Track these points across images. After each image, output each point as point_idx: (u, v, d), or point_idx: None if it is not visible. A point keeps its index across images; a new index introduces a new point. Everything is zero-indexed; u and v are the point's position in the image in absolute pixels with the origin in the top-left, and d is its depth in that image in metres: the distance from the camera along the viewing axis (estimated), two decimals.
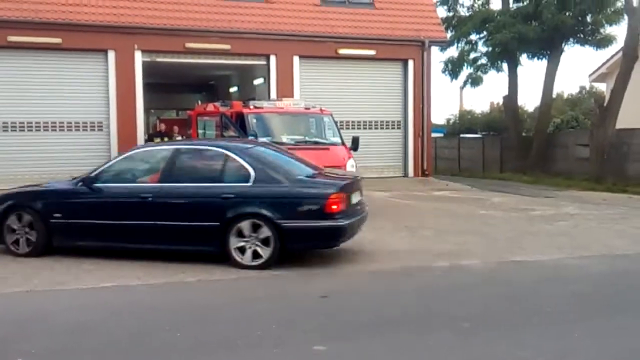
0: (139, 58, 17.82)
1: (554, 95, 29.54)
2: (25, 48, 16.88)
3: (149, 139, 18.19)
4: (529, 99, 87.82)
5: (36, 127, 17.12)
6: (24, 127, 17.01)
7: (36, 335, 5.45)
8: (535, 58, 26.69)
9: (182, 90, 27.40)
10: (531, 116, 34.38)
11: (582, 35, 25.42)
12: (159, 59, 18.39)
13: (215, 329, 5.65)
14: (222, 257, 7.96)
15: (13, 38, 16.54)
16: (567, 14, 23.98)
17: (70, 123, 17.41)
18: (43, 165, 17.01)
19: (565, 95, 43.75)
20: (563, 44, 25.64)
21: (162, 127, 19.30)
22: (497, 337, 5.48)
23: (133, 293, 6.94)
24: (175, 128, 19.10)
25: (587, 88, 43.32)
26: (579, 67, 63.90)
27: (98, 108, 17.67)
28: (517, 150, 26.66)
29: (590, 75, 28.28)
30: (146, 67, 18.08)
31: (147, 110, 23.95)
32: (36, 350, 5.03)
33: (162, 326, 5.66)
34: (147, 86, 18.56)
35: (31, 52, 17.03)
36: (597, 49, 25.50)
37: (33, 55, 17.08)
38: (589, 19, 24.98)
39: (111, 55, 17.56)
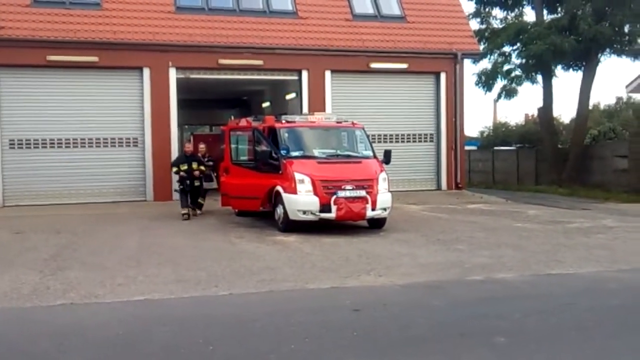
0: (173, 75, 18.11)
1: (590, 107, 29.08)
2: (63, 67, 17.33)
3: (175, 164, 15.12)
4: (565, 111, 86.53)
5: (73, 143, 17.49)
6: (61, 143, 17.40)
7: (75, 349, 5.51)
8: (571, 69, 26.36)
9: (216, 106, 27.71)
10: (567, 128, 33.90)
11: (619, 46, 25.03)
12: (192, 76, 18.66)
13: (247, 342, 5.65)
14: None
15: (52, 57, 16.98)
16: (604, 24, 23.61)
17: (107, 139, 17.76)
18: (80, 181, 17.45)
19: (602, 107, 43.05)
20: (599, 55, 25.27)
21: (190, 147, 15.82)
22: (534, 352, 5.37)
23: (167, 307, 6.99)
24: (202, 146, 15.78)
25: (624, 99, 42.56)
26: (616, 78, 62.80)
27: (133, 124, 18.00)
28: (552, 162, 26.28)
29: (627, 86, 27.65)
30: (180, 83, 18.35)
31: (181, 126, 24.31)
32: None
33: (195, 340, 5.68)
34: (181, 102, 18.83)
35: (69, 70, 17.48)
36: (634, 60, 25.08)
37: (71, 73, 17.54)
38: (626, 29, 24.57)
39: (146, 72, 17.89)
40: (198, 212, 15.29)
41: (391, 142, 19.70)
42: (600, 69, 60.82)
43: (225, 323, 6.29)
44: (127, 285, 7.88)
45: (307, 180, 12.02)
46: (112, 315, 6.65)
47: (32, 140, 17.22)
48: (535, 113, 30.88)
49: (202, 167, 15.12)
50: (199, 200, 15.32)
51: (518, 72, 26.98)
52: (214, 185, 15.80)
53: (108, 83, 17.85)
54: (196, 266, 9.00)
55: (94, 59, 17.31)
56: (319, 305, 7.05)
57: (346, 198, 11.95)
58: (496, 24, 28.26)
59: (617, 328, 6.10)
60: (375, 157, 13.22)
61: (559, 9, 26.16)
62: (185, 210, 14.57)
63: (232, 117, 16.01)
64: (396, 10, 20.58)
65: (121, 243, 11.23)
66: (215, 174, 15.81)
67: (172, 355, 5.32)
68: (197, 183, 15.02)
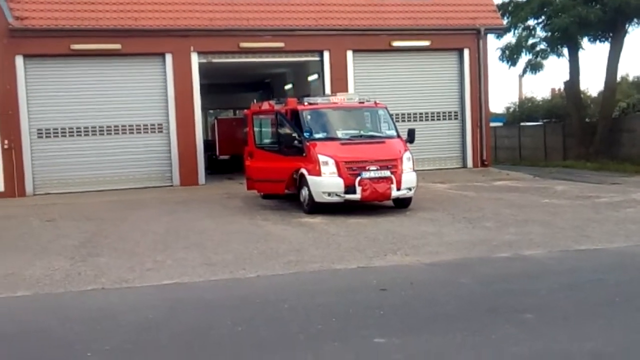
0: (195, 60, 18.17)
1: (618, 79, 28.47)
2: (87, 55, 17.49)
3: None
4: (592, 84, 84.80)
5: (100, 131, 17.69)
6: (88, 131, 17.61)
7: (107, 332, 5.63)
8: (597, 41, 25.79)
9: (239, 90, 27.76)
10: (595, 101, 33.22)
11: None
12: (214, 60, 18.69)
13: (276, 323, 5.71)
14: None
15: (76, 46, 17.15)
16: None
17: (132, 126, 17.92)
18: (107, 168, 17.68)
19: (631, 78, 42.03)
20: (626, 25, 24.69)
21: None
22: (562, 328, 5.34)
23: (195, 290, 7.09)
24: None
25: None
26: None
27: (158, 110, 18.12)
28: (580, 137, 25.87)
29: None
30: (202, 68, 18.41)
31: (205, 111, 24.42)
32: (109, 347, 5.21)
33: (224, 321, 5.76)
34: (204, 87, 18.89)
35: (93, 58, 17.63)
36: None
37: (95, 61, 17.69)
38: None
39: (169, 58, 17.97)
40: None
41: (415, 120, 19.57)
42: (629, 40, 59.43)
43: (253, 305, 6.35)
44: (156, 269, 8.00)
45: (331, 162, 12.02)
46: (142, 300, 6.77)
47: (59, 129, 17.46)
48: (562, 87, 30.35)
49: None
50: None
51: (543, 45, 26.49)
52: None
53: (132, 70, 17.98)
54: (224, 249, 9.10)
55: (117, 46, 17.44)
56: (345, 285, 7.08)
57: (371, 179, 11.93)
58: None
59: None
60: (399, 136, 13.15)
61: None
62: None
63: (255, 101, 16.03)
64: None
65: (149, 228, 11.38)
66: None
67: (201, 337, 5.41)
68: None
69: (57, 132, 17.46)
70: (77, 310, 6.49)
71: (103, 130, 17.73)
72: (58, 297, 6.93)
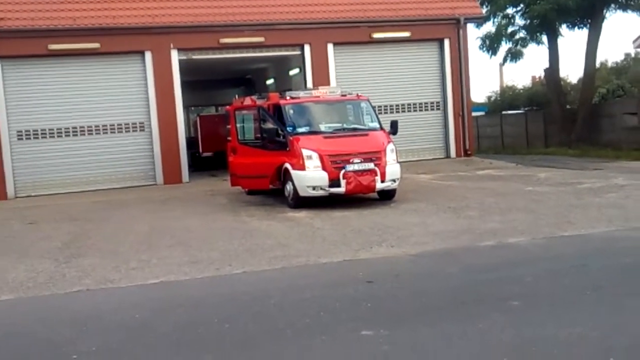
0: (175, 57, 18.03)
1: (597, 65, 28.72)
2: (65, 55, 17.29)
3: None
4: (572, 71, 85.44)
5: (80, 131, 17.52)
6: (69, 132, 17.44)
7: (93, 333, 5.58)
8: (576, 28, 25.99)
9: (220, 86, 27.61)
10: (575, 88, 33.47)
11: (624, 1, 24.61)
12: (194, 57, 18.58)
13: (263, 319, 5.69)
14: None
15: (53, 46, 16.95)
16: None
17: (113, 125, 17.77)
18: (89, 168, 17.52)
19: (610, 64, 42.35)
20: (604, 11, 24.89)
21: None
22: (548, 314, 5.38)
23: (182, 288, 7.05)
24: None
25: (633, 55, 41.89)
26: (623, 34, 61.84)
27: (139, 109, 17.99)
28: (561, 124, 26.08)
29: (634, 42, 27.36)
30: (183, 65, 18.28)
31: (186, 108, 24.28)
32: (96, 348, 5.16)
33: (210, 319, 5.74)
34: (185, 84, 18.77)
35: (71, 58, 17.45)
36: None
37: (73, 61, 17.51)
38: None
39: (148, 55, 17.83)
40: None
41: (397, 112, 19.60)
42: (607, 26, 59.87)
43: (240, 301, 6.33)
44: (141, 269, 7.95)
45: (315, 155, 12.00)
46: (128, 299, 6.72)
47: (39, 131, 17.27)
48: (542, 75, 30.56)
49: None
50: None
51: (522, 33, 26.69)
52: None
53: (111, 69, 17.81)
54: (209, 246, 9.06)
55: (96, 45, 17.26)
56: (332, 278, 7.08)
57: (355, 171, 11.93)
58: None
59: (631, 286, 6.09)
60: (382, 128, 13.15)
61: None
62: None
63: (237, 97, 15.96)
64: None
65: (133, 228, 11.30)
66: None
67: (188, 334, 5.38)
68: None
69: (38, 134, 17.27)
70: (62, 312, 6.43)
71: (84, 131, 17.56)
72: (42, 300, 6.86)
